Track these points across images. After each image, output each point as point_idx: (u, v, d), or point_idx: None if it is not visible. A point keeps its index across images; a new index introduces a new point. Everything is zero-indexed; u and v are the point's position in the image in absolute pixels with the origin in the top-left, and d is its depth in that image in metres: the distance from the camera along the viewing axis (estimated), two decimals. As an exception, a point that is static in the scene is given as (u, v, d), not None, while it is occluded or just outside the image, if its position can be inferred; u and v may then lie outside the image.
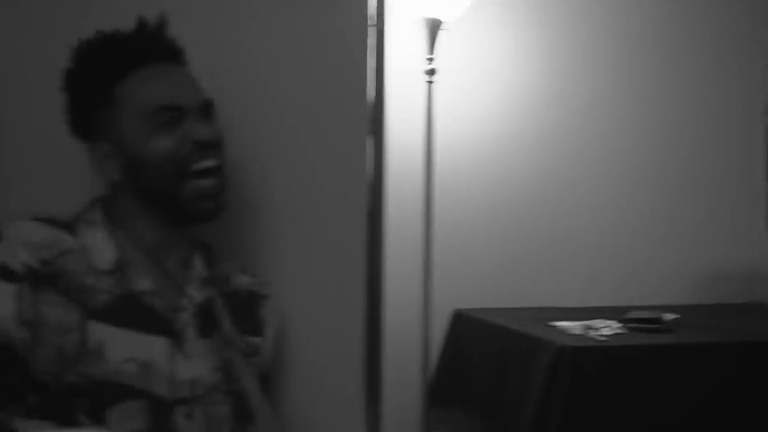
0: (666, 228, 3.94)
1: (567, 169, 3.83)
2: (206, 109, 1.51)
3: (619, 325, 3.12)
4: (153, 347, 1.41)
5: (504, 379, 3.04)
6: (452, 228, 3.61)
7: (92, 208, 1.51)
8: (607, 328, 3.06)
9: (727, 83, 3.97)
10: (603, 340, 2.91)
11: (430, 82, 3.37)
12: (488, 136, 3.72)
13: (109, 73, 1.48)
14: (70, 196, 1.59)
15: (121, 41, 1.51)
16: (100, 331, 1.37)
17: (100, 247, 1.44)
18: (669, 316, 3.20)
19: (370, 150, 1.91)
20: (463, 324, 3.46)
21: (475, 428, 3.32)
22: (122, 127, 1.46)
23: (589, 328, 3.04)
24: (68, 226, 1.46)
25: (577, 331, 3.01)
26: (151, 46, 1.52)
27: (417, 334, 3.39)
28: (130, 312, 1.41)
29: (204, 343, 1.48)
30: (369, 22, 1.92)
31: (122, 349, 1.38)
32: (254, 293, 1.64)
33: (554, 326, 3.09)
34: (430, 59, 3.36)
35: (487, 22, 3.68)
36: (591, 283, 3.82)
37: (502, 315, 3.35)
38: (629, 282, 3.85)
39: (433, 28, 3.32)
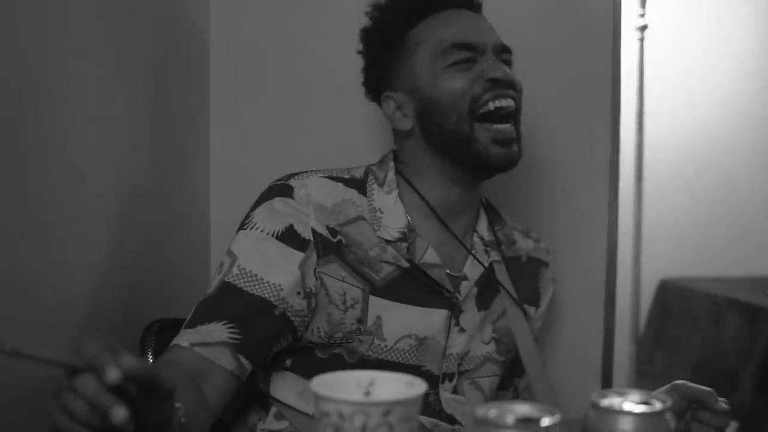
0: None
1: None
2: (502, 53, 1.42)
3: None
4: (432, 322, 1.36)
5: (719, 349, 2.96)
6: (660, 196, 3.49)
7: (385, 164, 1.43)
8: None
9: None
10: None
11: (642, 39, 3.25)
12: (701, 98, 3.53)
13: (406, 19, 1.43)
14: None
15: None
16: (381, 308, 1.32)
17: (391, 212, 1.37)
18: None
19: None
20: (671, 293, 3.36)
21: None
22: (417, 71, 1.40)
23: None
24: (360, 184, 1.39)
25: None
26: None
27: (625, 304, 3.30)
28: (414, 285, 1.35)
29: (480, 315, 1.41)
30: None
31: (401, 326, 1.33)
32: (537, 260, 1.55)
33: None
34: (642, 15, 3.23)
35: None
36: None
37: (711, 284, 3.24)
38: None
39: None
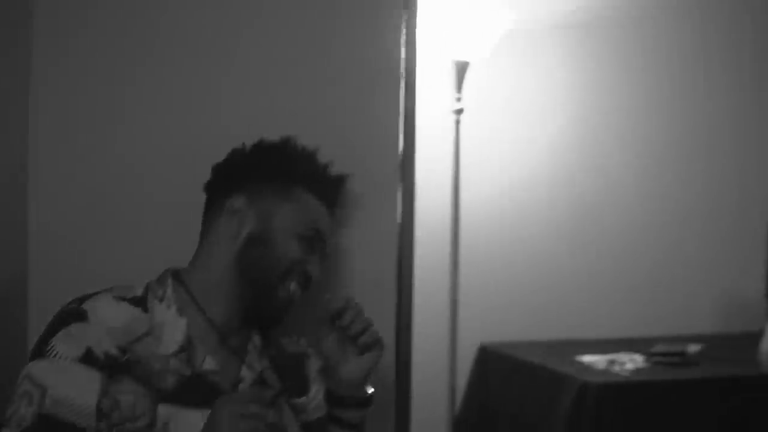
0: (691, 256, 3.98)
1: (591, 203, 3.89)
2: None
3: (644, 358, 3.16)
4: None
5: (529, 416, 3.09)
6: (478, 263, 3.68)
7: (164, 282, 1.55)
8: (631, 363, 3.10)
9: (753, 124, 4.05)
10: (627, 376, 2.95)
11: (458, 122, 3.46)
12: (514, 173, 3.79)
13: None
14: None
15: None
16: (167, 413, 1.42)
17: (171, 327, 1.48)
18: (694, 348, 3.22)
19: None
20: (489, 359, 3.51)
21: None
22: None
23: (614, 362, 3.09)
24: (141, 301, 1.50)
25: (602, 366, 3.06)
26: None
27: (444, 369, 3.46)
28: (196, 391, 1.46)
29: None
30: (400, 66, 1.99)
31: (186, 427, 1.42)
32: (298, 354, 1.69)
33: (579, 361, 3.13)
34: (458, 99, 3.45)
35: (512, 61, 3.77)
36: (617, 314, 3.86)
37: (527, 349, 3.40)
38: (655, 312, 3.88)
39: (461, 69, 3.41)
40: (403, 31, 1.99)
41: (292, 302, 1.57)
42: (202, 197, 1.63)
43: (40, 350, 1.39)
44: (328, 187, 1.66)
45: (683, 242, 3.97)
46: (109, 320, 1.43)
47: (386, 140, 1.99)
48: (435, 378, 3.46)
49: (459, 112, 3.44)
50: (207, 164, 1.63)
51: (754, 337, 3.30)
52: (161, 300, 1.51)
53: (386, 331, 1.89)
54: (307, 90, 1.95)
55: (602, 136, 3.91)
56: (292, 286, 1.55)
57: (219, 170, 1.63)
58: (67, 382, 1.37)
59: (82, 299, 1.45)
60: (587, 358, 3.15)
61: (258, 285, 1.54)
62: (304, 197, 1.59)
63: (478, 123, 3.67)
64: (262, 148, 1.63)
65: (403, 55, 2.00)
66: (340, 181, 1.69)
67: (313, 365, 1.69)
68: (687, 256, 3.97)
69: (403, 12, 1.99)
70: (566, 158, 3.86)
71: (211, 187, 1.63)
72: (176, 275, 1.56)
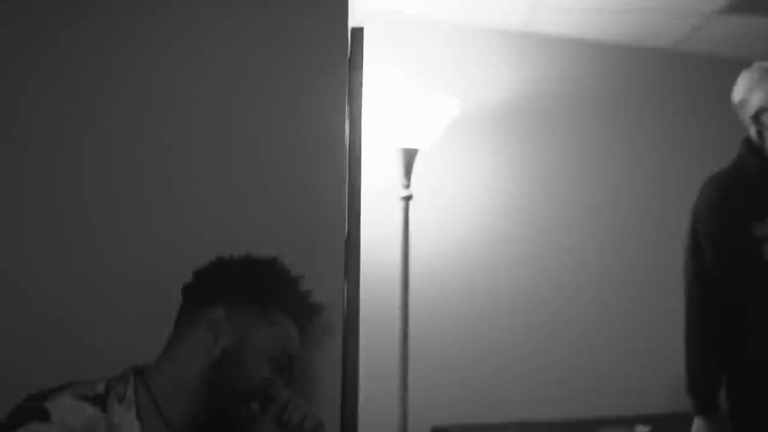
0: (638, 337, 4.05)
1: (539, 285, 3.97)
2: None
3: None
4: None
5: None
6: (428, 349, 3.73)
7: (126, 381, 1.56)
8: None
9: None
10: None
11: (407, 208, 3.52)
12: (462, 255, 3.86)
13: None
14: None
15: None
16: None
17: (128, 429, 1.50)
18: (641, 429, 3.24)
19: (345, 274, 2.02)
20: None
21: None
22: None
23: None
24: (101, 399, 1.51)
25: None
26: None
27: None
28: None
29: None
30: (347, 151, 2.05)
31: None
32: None
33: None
34: (407, 185, 3.52)
35: (459, 148, 3.90)
36: (565, 395, 3.90)
37: (479, 431, 3.39)
38: (602, 392, 3.93)
39: (409, 156, 3.50)
40: (347, 119, 2.06)
41: (251, 421, 1.58)
42: (162, 295, 1.67)
43: None
44: (306, 315, 1.71)
45: (633, 322, 4.05)
46: (69, 420, 1.43)
47: (333, 225, 2.04)
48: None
49: (408, 198, 3.50)
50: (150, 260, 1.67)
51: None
52: (121, 400, 1.52)
53: (331, 416, 1.94)
54: (251, 171, 2.00)
55: (547, 220, 4.02)
56: (254, 406, 1.58)
57: (202, 277, 1.66)
58: None
59: (45, 395, 1.46)
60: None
61: (223, 400, 1.56)
62: (282, 321, 1.64)
63: (427, 207, 3.76)
64: (249, 264, 1.67)
65: (347, 140, 2.07)
66: (317, 309, 1.75)
67: None
68: (637, 336, 4.04)
69: (349, 100, 2.06)
70: (513, 241, 3.95)
71: (190, 292, 1.66)
72: (139, 374, 1.57)
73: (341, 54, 2.07)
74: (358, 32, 2.09)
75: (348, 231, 2.04)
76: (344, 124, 2.06)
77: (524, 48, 4.03)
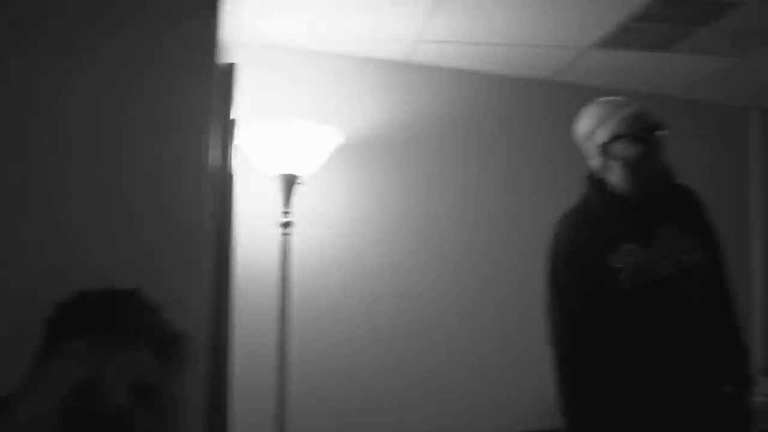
0: (510, 359, 4.16)
1: (410, 310, 4.04)
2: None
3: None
4: None
5: None
6: (307, 375, 3.76)
7: None
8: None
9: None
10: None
11: (286, 234, 3.54)
12: (342, 283, 3.92)
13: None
14: None
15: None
16: None
17: None
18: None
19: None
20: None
21: None
22: None
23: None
24: None
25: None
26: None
27: None
28: None
29: None
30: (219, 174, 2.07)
31: None
32: None
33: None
34: (286, 212, 3.53)
35: (343, 174, 3.96)
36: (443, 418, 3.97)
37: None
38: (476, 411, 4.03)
39: (289, 183, 3.51)
40: (219, 148, 2.09)
41: None
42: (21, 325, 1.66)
43: None
44: (168, 344, 1.70)
45: (498, 345, 4.15)
46: None
47: (196, 251, 2.05)
48: None
49: (287, 224, 3.52)
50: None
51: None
52: None
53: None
54: (112, 199, 2.01)
55: (428, 244, 4.10)
56: None
57: (62, 309, 1.64)
58: None
59: None
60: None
61: (82, 430, 1.55)
62: (143, 351, 1.63)
63: (309, 233, 3.80)
64: (109, 295, 1.67)
65: (220, 169, 2.09)
66: (179, 338, 1.74)
67: None
68: (506, 359, 4.14)
69: (222, 131, 2.09)
70: (393, 270, 4.01)
71: (50, 324, 1.64)
72: (3, 403, 1.55)
73: (205, 86, 2.10)
74: (229, 67, 2.12)
75: (220, 257, 2.06)
76: (206, 153, 2.08)
77: (408, 78, 4.12)
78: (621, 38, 3.77)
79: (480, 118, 4.26)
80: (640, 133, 2.55)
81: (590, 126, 2.65)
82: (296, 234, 3.68)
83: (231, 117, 2.12)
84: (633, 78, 4.36)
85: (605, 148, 2.62)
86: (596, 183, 2.66)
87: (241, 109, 3.71)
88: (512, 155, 4.32)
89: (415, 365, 4.00)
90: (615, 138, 2.59)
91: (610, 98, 2.67)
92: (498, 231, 4.23)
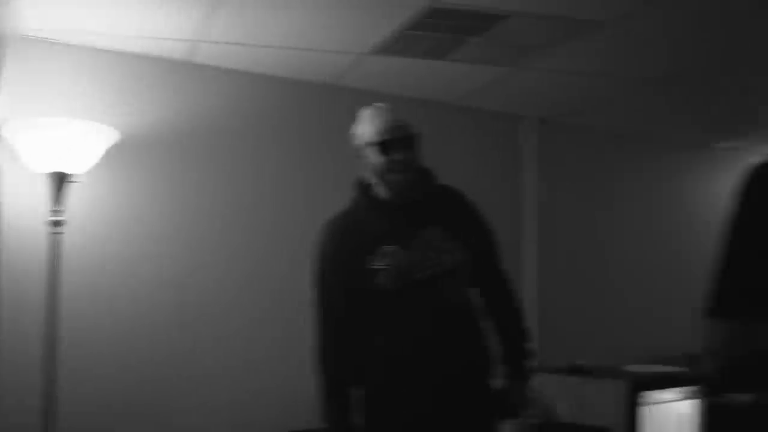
0: (277, 358, 4.22)
1: (183, 309, 4.06)
2: None
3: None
4: None
5: None
6: (77, 382, 3.70)
7: None
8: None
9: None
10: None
11: (57, 233, 3.44)
12: (117, 281, 3.87)
13: None
14: None
15: None
16: None
17: None
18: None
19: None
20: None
21: None
22: None
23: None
24: None
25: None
26: None
27: None
28: None
29: None
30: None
31: None
32: None
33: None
34: (56, 211, 3.44)
35: (119, 173, 3.91)
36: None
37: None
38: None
39: (60, 181, 3.42)
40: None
41: None
42: None
43: None
44: None
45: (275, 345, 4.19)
46: None
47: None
48: None
49: (57, 223, 3.44)
50: None
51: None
52: None
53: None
54: None
55: (204, 243, 4.13)
56: None
57: None
58: None
59: None
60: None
61: None
62: None
63: (80, 232, 3.72)
64: None
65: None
66: None
67: None
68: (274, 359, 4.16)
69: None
70: (167, 269, 4.01)
71: None
72: None
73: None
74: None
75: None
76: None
77: (188, 77, 4.10)
78: (396, 46, 3.90)
79: (258, 120, 4.31)
80: (388, 143, 2.67)
81: (356, 132, 2.75)
82: (68, 233, 3.59)
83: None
84: (412, 84, 4.51)
85: (360, 150, 2.73)
86: (363, 188, 2.76)
87: (9, 103, 3.59)
88: (290, 158, 4.40)
89: (185, 364, 4.02)
90: (368, 146, 2.69)
91: (376, 105, 2.77)
92: (270, 231, 4.30)
